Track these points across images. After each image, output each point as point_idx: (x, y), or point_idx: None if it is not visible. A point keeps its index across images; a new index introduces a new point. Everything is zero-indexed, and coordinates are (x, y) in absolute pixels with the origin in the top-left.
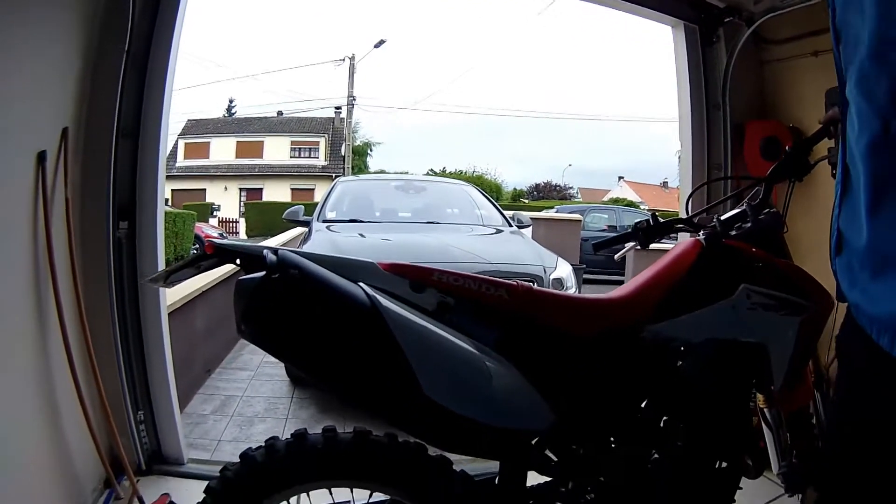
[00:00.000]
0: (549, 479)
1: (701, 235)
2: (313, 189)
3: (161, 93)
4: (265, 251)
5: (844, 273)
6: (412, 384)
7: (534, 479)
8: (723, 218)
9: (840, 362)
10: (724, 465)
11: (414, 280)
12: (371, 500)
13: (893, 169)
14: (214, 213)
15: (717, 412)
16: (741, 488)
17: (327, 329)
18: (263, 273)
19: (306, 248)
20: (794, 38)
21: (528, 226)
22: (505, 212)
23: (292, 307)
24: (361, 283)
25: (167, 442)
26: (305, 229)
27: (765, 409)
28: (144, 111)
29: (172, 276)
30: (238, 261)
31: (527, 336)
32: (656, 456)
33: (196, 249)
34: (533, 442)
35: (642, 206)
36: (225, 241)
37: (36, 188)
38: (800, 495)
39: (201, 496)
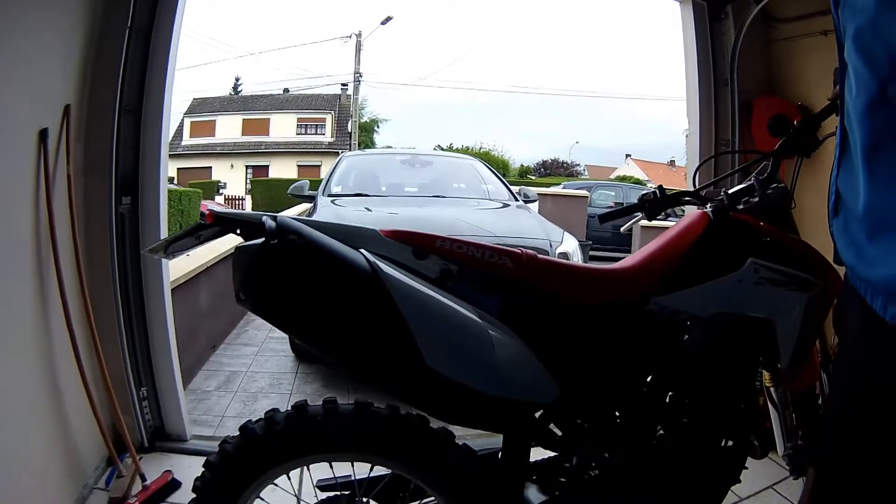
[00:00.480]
0: (552, 454)
1: (708, 208)
2: (320, 166)
3: (164, 68)
4: (264, 218)
5: (841, 234)
6: (413, 353)
7: (537, 455)
8: (730, 191)
9: (836, 330)
10: (730, 443)
11: (417, 247)
12: (372, 474)
13: (891, 131)
14: (220, 191)
15: (723, 388)
16: (746, 468)
17: (327, 296)
18: (262, 240)
19: None
20: (802, 17)
21: (535, 201)
22: (511, 187)
23: (291, 273)
24: (362, 250)
25: (170, 419)
26: (311, 204)
27: (771, 389)
28: (147, 86)
29: (172, 247)
30: (238, 230)
31: (531, 305)
32: (661, 432)
33: None
34: (537, 416)
35: (649, 184)
36: (225, 210)
37: (37, 166)
38: (804, 478)
39: None
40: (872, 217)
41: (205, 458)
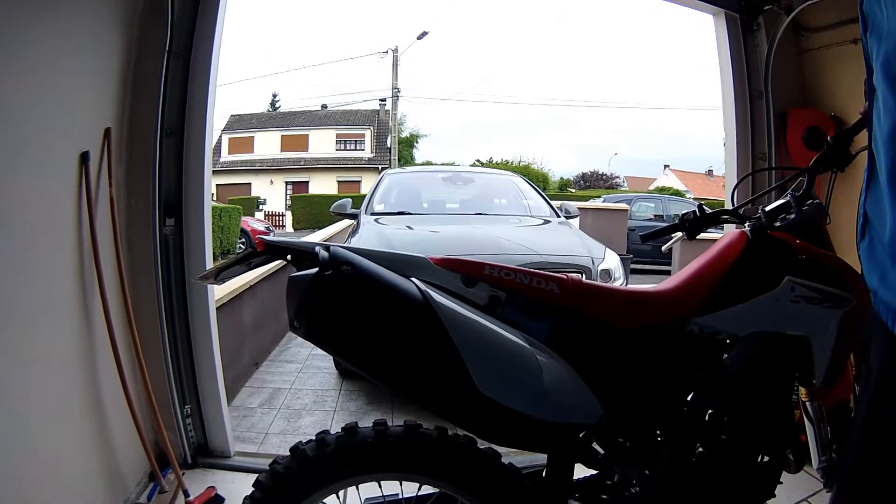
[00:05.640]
0: (594, 471)
1: (746, 227)
2: (359, 181)
3: (205, 89)
4: (317, 248)
5: (867, 257)
6: (465, 380)
7: (580, 472)
8: (767, 209)
9: (862, 352)
10: (766, 458)
11: (466, 275)
12: (419, 493)
13: None
14: (260, 207)
15: (760, 405)
16: (781, 482)
17: (381, 325)
18: (316, 270)
19: (355, 241)
20: (833, 26)
21: (576, 216)
22: (552, 202)
23: (346, 304)
24: (414, 279)
25: (214, 435)
26: (352, 222)
27: (806, 403)
28: (188, 109)
29: (223, 274)
30: (289, 257)
31: (576, 330)
32: (701, 449)
33: (242, 243)
34: (580, 435)
35: (688, 195)
36: (275, 238)
37: (79, 189)
38: None
39: (247, 489)
40: None
41: (248, 474)
